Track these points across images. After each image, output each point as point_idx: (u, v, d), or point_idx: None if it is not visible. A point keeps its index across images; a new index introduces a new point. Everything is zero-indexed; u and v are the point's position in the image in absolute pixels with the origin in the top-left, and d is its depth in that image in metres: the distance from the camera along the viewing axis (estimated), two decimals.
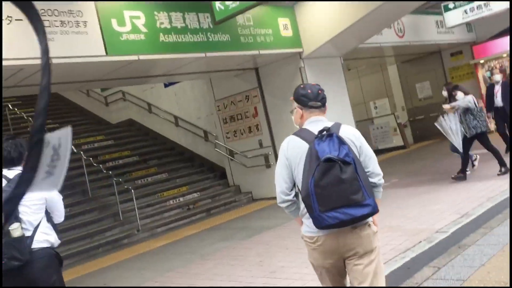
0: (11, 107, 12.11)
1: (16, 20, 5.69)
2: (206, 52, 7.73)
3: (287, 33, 9.23)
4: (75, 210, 9.47)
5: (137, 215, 9.06)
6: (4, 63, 5.61)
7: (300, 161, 2.56)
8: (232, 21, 8.21)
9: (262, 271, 5.34)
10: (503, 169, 7.92)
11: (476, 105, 8.05)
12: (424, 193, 7.85)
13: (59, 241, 3.53)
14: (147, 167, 11.59)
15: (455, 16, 12.16)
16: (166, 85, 12.58)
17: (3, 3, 0.87)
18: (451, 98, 8.39)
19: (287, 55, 9.39)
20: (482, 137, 8.09)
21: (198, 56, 7.64)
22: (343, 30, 8.79)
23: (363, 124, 15.32)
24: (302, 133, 2.65)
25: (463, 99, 8.07)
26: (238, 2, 6.77)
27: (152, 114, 13.18)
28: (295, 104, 2.77)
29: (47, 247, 3.36)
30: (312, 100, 2.70)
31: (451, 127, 8.04)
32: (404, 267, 4.66)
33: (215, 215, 10.01)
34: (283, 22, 9.17)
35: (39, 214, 3.35)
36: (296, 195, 2.66)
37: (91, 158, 10.19)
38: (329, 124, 2.65)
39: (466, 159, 8.22)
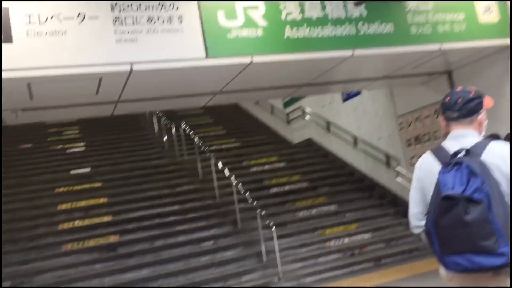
0: (183, 128, 11.71)
1: (89, 18, 4.64)
2: (355, 48, 5.61)
3: (490, 17, 6.40)
4: (220, 244, 8.24)
5: (278, 259, 7.31)
6: (76, 70, 4.59)
7: (431, 185, 2.22)
8: (398, 6, 5.92)
9: None
10: None
11: None
12: None
13: None
14: (315, 196, 9.76)
15: None
16: (345, 99, 10.63)
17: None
18: None
19: (489, 50, 6.53)
20: None
21: (340, 55, 5.57)
22: None
23: None
24: (438, 151, 2.33)
25: None
26: None
27: (331, 133, 11.34)
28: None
29: None
30: (447, 109, 2.35)
31: None
32: None
33: (385, 267, 7.60)
34: (483, 2, 6.38)
35: None
36: None
37: (240, 185, 8.83)
38: (473, 141, 2.24)
39: None
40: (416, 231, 2.40)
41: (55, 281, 7.29)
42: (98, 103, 5.76)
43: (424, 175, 2.34)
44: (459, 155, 2.18)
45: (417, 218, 2.37)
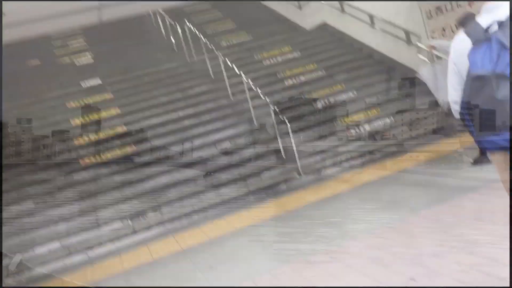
0: (189, 26, 11.04)
1: None
2: None
3: None
4: (237, 144, 8.06)
5: (296, 154, 7.10)
6: None
7: (466, 66, 2.04)
8: None
9: None
10: None
11: None
12: None
13: None
14: (332, 84, 9.30)
15: None
16: None
17: None
18: None
19: None
20: None
21: None
22: None
23: None
24: (471, 28, 2.08)
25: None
26: None
27: (345, 14, 10.52)
28: None
29: None
30: None
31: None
32: None
33: (408, 151, 7.32)
34: None
35: None
36: None
37: (250, 81, 8.40)
38: (508, 11, 1.97)
39: None
40: (458, 115, 2.28)
41: (77, 196, 7.35)
42: (79, 10, 5.26)
43: (457, 57, 2.18)
44: (491, 30, 1.99)
45: (456, 102, 2.25)
